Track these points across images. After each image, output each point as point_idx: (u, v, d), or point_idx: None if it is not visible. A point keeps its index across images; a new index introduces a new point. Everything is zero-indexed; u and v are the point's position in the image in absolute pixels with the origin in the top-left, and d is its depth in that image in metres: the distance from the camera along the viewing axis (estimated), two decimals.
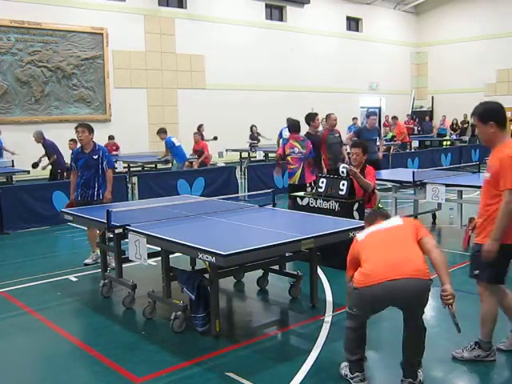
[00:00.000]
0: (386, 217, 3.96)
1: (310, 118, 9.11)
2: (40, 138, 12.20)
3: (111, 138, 16.42)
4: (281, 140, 15.70)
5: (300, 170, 8.37)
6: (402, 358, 3.63)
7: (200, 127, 18.18)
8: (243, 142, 18.64)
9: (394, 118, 19.37)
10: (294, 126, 8.65)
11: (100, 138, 7.60)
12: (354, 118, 20.50)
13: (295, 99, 22.69)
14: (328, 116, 9.71)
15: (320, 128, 9.91)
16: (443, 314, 5.10)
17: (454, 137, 23.26)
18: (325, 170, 8.83)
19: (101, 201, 6.91)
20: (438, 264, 3.51)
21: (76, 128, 7.05)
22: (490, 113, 3.85)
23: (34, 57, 16.92)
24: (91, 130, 7.01)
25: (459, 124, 24.81)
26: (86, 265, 6.99)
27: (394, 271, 3.40)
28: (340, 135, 9.98)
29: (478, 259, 3.91)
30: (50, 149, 12.19)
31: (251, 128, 19.19)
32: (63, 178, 11.92)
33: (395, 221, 3.85)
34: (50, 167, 12.62)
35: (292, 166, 8.40)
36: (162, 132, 12.95)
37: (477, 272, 3.94)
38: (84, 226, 7.13)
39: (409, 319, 3.58)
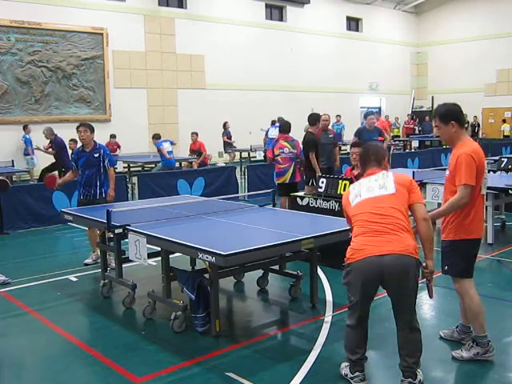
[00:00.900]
0: (379, 163, 3.82)
1: (314, 118, 9.11)
2: (50, 134, 12.21)
3: (113, 136, 16.43)
4: (267, 139, 15.78)
5: (292, 169, 8.54)
6: (400, 359, 3.61)
7: (225, 124, 18.30)
8: (243, 142, 18.62)
9: (377, 113, 19.02)
10: (285, 126, 8.80)
11: (100, 138, 7.59)
12: (337, 116, 20.45)
13: (295, 99, 22.72)
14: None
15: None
16: (443, 314, 5.11)
17: None
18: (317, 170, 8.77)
19: (104, 199, 6.92)
20: (424, 238, 3.63)
21: (78, 128, 7.04)
22: (451, 113, 4.02)
23: (34, 57, 16.92)
24: (93, 130, 7.03)
25: None
26: (86, 265, 6.99)
27: (382, 247, 3.44)
28: (334, 136, 10.04)
29: (446, 255, 4.06)
30: (56, 145, 12.22)
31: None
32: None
33: (387, 185, 3.65)
34: (47, 165, 12.68)
35: (282, 166, 8.55)
36: (156, 138, 13.45)
37: (446, 268, 4.06)
38: (84, 226, 7.13)
39: (400, 311, 3.55)
